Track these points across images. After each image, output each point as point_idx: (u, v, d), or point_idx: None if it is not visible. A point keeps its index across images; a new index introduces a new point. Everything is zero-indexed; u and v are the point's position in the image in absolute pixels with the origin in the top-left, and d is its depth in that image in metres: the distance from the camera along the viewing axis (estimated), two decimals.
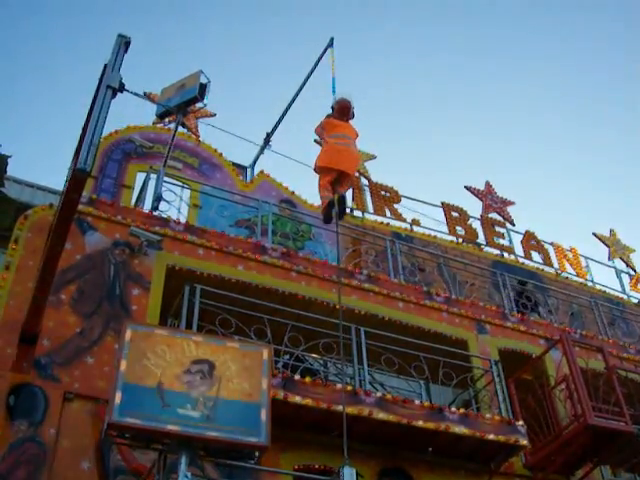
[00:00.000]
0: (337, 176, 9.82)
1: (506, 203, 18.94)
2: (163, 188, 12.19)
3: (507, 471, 11.62)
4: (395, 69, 56.25)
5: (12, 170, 8.79)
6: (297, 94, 16.37)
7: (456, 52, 54.77)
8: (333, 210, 9.73)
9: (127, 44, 7.84)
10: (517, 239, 18.29)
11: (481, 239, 17.53)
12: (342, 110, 10.27)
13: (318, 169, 10.02)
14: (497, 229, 18.07)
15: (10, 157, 5.39)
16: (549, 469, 11.71)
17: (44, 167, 51.56)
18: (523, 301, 15.42)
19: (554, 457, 11.61)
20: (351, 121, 10.34)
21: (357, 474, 7.74)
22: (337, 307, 9.97)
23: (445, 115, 58.66)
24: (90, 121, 7.08)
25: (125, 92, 7.63)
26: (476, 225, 17.74)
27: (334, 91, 11.11)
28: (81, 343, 9.64)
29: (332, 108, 10.37)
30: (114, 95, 7.52)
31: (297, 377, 10.06)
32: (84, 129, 7.29)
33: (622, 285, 19.19)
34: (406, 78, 57.86)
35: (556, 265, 18.30)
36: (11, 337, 9.19)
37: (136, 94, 8.16)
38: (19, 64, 51.05)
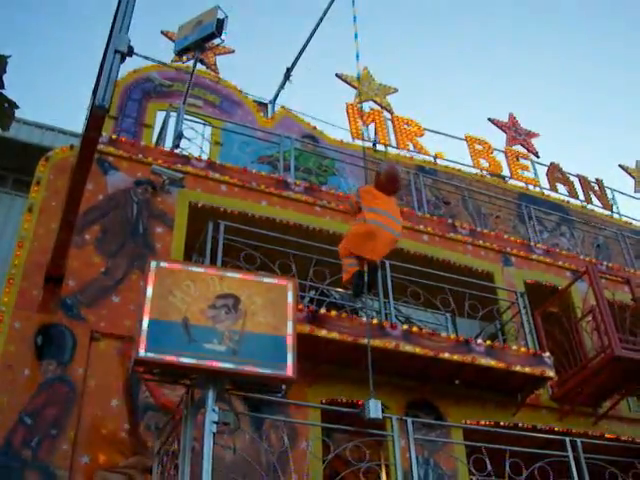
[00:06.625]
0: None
1: (530, 135, 18.72)
2: (184, 126, 12.12)
3: (534, 403, 11.62)
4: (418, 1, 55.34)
5: (34, 115, 8.69)
6: (317, 27, 16.12)
7: None
8: (360, 281, 8.73)
9: None
10: (542, 171, 18.10)
11: (505, 172, 17.35)
12: (389, 181, 8.73)
13: (343, 248, 8.88)
14: (521, 161, 17.87)
15: (10, 57, 5.20)
16: (576, 401, 11.72)
17: (65, 111, 51.46)
18: None
19: (581, 389, 11.61)
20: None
21: (383, 406, 7.77)
22: None
23: (469, 47, 57.84)
24: (106, 56, 6.96)
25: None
26: (500, 158, 17.56)
27: (356, 38, 10.83)
28: (106, 282, 9.68)
29: (377, 173, 8.94)
30: (123, 59, 7.23)
31: (323, 311, 10.05)
32: (101, 66, 7.18)
33: None
34: (429, 10, 56.93)
35: (582, 197, 18.10)
36: (37, 279, 9.24)
37: (146, 57, 7.92)
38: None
